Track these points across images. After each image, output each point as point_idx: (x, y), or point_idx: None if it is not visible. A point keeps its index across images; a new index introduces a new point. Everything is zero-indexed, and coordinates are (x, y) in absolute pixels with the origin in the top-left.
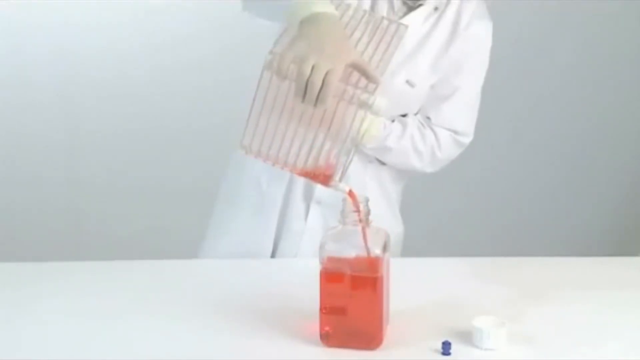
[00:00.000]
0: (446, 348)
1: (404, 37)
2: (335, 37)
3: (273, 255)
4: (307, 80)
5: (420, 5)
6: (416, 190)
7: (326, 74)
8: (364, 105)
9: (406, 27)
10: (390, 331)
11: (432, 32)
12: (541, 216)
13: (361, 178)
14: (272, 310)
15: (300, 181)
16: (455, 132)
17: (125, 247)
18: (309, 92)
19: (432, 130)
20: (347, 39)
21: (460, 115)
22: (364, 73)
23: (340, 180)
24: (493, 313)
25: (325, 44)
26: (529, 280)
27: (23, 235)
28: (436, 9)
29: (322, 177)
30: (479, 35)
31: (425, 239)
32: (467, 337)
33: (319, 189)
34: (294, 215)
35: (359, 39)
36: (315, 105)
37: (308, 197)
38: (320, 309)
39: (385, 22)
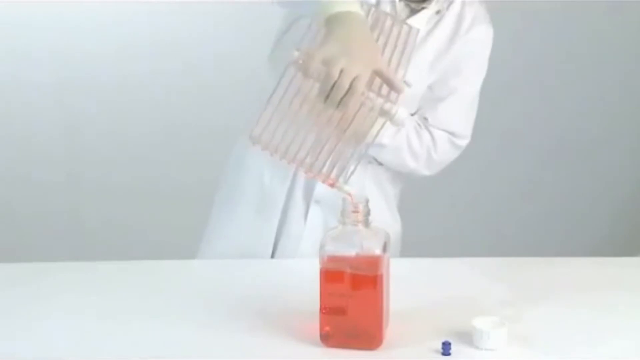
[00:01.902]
0: (446, 348)
1: (416, 40)
2: (364, 41)
3: (273, 256)
4: (334, 83)
5: (423, 8)
6: (416, 191)
7: (353, 79)
8: (386, 114)
9: (418, 30)
10: (390, 331)
11: (432, 34)
12: (541, 216)
13: (360, 178)
14: (272, 310)
15: (302, 180)
16: (452, 134)
17: (125, 247)
18: (334, 95)
19: (429, 131)
20: (374, 42)
21: (458, 117)
22: (388, 81)
23: (345, 182)
24: (493, 313)
25: (355, 48)
26: (529, 280)
27: (23, 235)
28: (438, 12)
29: (329, 177)
30: (479, 39)
31: (425, 239)
32: (467, 337)
33: (319, 188)
34: (294, 215)
35: (377, 41)
36: (336, 108)
37: (308, 197)
38: (320, 309)
39: (398, 24)
